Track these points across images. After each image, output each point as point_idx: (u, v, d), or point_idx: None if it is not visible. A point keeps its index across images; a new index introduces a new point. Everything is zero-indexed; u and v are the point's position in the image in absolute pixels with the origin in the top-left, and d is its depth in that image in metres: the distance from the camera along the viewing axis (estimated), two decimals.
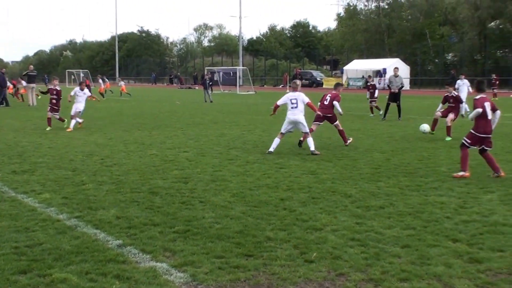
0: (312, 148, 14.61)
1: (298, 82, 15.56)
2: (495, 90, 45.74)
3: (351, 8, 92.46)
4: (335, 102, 16.14)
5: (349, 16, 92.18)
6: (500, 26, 74.65)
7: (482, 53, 74.60)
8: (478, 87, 11.73)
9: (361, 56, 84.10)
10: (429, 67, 79.80)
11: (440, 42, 79.03)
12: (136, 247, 6.90)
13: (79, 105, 21.18)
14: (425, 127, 17.85)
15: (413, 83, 74.38)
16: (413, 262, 6.35)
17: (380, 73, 69.53)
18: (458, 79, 29.51)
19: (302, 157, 13.99)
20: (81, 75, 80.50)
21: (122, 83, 56.86)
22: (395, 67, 26.96)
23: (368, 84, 29.10)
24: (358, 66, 75.18)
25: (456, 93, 18.96)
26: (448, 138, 17.39)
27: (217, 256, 6.56)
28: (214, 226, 7.76)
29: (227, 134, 19.35)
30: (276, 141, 14.84)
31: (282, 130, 15.01)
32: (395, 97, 25.07)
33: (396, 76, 25.44)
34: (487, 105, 11.20)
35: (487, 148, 11.40)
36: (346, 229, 7.60)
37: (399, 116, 24.98)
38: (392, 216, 8.28)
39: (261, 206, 8.94)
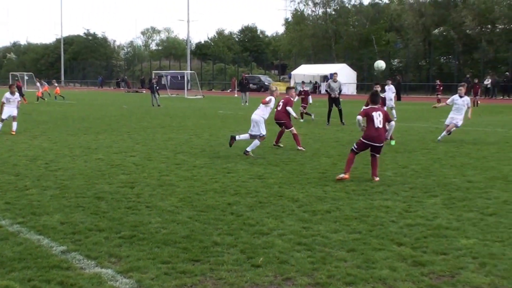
0: (249, 148, 14.91)
1: (274, 87, 16.12)
2: (439, 96, 46.63)
3: (299, 13, 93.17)
4: (288, 108, 16.43)
5: (297, 21, 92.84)
6: (444, 33, 76.27)
7: (427, 59, 76.10)
8: (370, 98, 12.13)
9: (308, 61, 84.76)
10: (375, 73, 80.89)
11: (386, 48, 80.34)
12: (81, 253, 6.79)
13: (12, 110, 20.51)
14: (381, 64, 18.62)
15: (360, 88, 75.32)
16: (358, 265, 6.41)
17: (327, 78, 70.17)
18: (386, 84, 29.85)
19: (249, 162, 14.00)
20: (25, 78, 79.04)
21: (56, 84, 56.00)
22: (334, 73, 27.08)
23: (301, 90, 28.62)
24: (306, 71, 75.76)
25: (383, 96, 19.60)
26: (393, 142, 17.62)
27: (163, 261, 6.50)
28: (161, 231, 7.70)
29: (174, 138, 19.24)
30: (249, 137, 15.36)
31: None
32: (335, 102, 25.35)
33: (335, 81, 25.72)
34: (377, 115, 11.57)
35: (376, 155, 11.71)
36: (293, 234, 7.63)
37: (341, 120, 25.28)
38: (338, 220, 8.35)
39: (208, 211, 8.91)
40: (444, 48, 75.65)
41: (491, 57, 68.47)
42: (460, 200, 9.78)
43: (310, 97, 27.96)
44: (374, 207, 9.25)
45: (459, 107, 18.22)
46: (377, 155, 11.73)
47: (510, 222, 8.30)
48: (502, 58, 67.55)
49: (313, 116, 27.41)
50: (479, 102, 42.67)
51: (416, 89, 72.06)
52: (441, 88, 48.32)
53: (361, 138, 11.80)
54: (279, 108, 16.63)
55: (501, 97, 59.22)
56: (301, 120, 26.86)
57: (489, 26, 71.06)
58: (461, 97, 18.26)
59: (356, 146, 11.80)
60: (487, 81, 59.17)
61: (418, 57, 77.64)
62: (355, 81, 74.35)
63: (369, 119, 11.61)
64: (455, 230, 7.86)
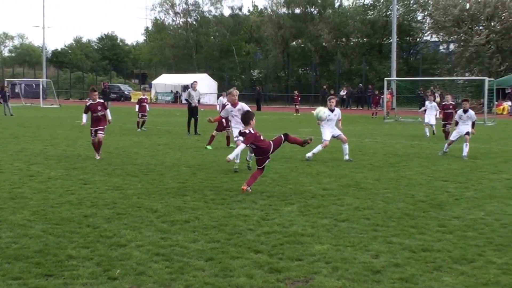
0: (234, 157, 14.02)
1: (235, 92, 14.79)
2: (297, 106, 47.97)
3: (159, 22, 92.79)
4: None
5: (158, 30, 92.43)
6: (302, 45, 78.73)
7: (286, 70, 78.17)
8: (242, 118, 12.27)
9: (169, 71, 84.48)
10: (236, 83, 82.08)
11: (246, 59, 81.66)
12: None
13: None
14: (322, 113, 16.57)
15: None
16: (216, 274, 6.44)
17: (188, 88, 70.23)
18: (221, 95, 30.28)
19: (107, 173, 13.72)
20: None
21: None
22: (194, 81, 26.77)
23: (142, 97, 28.12)
24: (167, 81, 75.48)
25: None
26: (209, 147, 19.14)
27: (14, 277, 6.22)
28: (12, 246, 7.36)
29: (28, 149, 18.49)
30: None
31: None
32: (193, 111, 25.22)
33: (195, 90, 25.63)
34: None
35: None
36: (151, 244, 7.54)
37: (196, 130, 25.11)
38: (197, 230, 8.35)
39: (63, 223, 8.62)
40: (302, 59, 78.10)
41: (346, 69, 71.49)
42: (316, 207, 10.08)
43: (147, 105, 27.56)
44: (233, 215, 9.33)
45: (332, 123, 16.90)
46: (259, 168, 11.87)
47: (361, 227, 8.65)
48: (356, 70, 70.70)
49: (140, 130, 26.90)
50: None
51: (276, 99, 73.82)
52: (299, 98, 49.76)
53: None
54: None
55: (355, 108, 61.89)
56: (138, 130, 26.44)
57: (344, 39, 74.13)
58: (332, 110, 16.84)
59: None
60: (343, 92, 61.67)
61: (278, 68, 79.60)
62: (216, 91, 74.90)
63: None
64: (310, 236, 8.09)
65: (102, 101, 16.81)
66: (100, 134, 16.38)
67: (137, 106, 27.31)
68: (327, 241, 7.83)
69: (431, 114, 25.05)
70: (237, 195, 11.09)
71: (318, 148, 16.62)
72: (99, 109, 16.48)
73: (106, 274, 6.39)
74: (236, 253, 7.21)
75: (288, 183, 12.53)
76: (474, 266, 6.87)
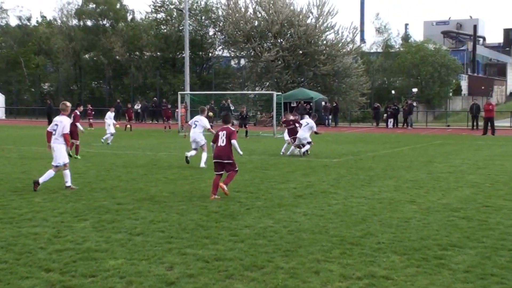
0: (42, 180, 13.46)
1: (68, 104, 14.36)
2: (91, 120, 46.94)
3: None
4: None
5: None
6: (94, 58, 77.29)
7: (78, 83, 76.22)
8: (222, 118, 13.62)
9: None
10: (25, 96, 78.63)
11: (35, 71, 78.44)
12: None
13: None
14: None
15: (9, 112, 72.37)
16: None
17: None
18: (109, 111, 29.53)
19: None
20: None
21: None
22: None
23: None
24: None
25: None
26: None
27: None
28: None
29: None
30: (50, 173, 13.49)
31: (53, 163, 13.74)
32: None
33: None
34: (222, 134, 12.64)
35: (228, 171, 12.75)
36: None
37: None
38: None
39: None
40: (95, 73, 76.62)
41: (140, 83, 71.21)
42: (110, 222, 9.97)
43: None
44: (22, 234, 8.96)
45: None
46: (228, 172, 12.70)
47: (156, 240, 8.71)
48: (151, 83, 70.69)
49: None
50: (130, 126, 43.78)
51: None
52: (93, 112, 48.78)
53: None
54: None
55: (150, 121, 61.84)
56: None
57: (137, 53, 73.89)
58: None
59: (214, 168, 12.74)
60: (137, 106, 61.33)
61: (70, 81, 77.38)
62: (4, 105, 71.24)
63: (216, 139, 12.76)
64: (104, 252, 8.00)
65: None
66: None
67: None
68: (121, 256, 7.79)
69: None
70: (27, 213, 10.66)
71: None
72: None
73: None
74: (26, 273, 6.95)
75: (81, 199, 12.26)
76: (264, 272, 7.20)
